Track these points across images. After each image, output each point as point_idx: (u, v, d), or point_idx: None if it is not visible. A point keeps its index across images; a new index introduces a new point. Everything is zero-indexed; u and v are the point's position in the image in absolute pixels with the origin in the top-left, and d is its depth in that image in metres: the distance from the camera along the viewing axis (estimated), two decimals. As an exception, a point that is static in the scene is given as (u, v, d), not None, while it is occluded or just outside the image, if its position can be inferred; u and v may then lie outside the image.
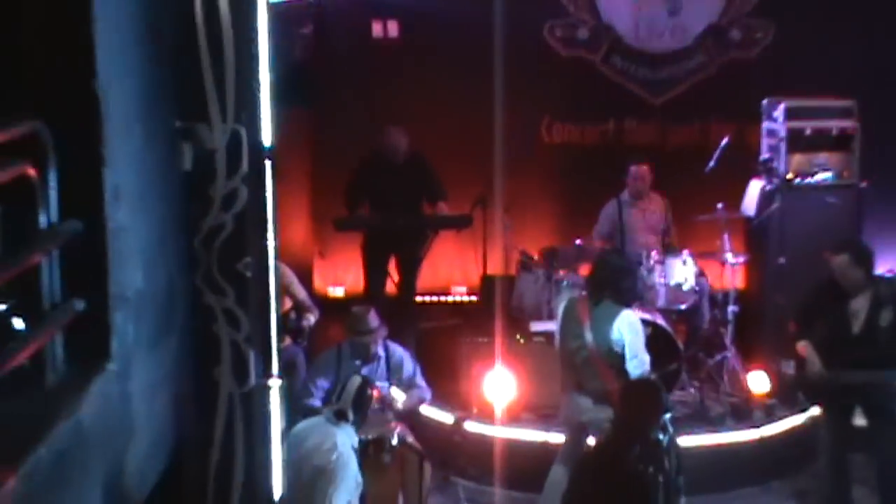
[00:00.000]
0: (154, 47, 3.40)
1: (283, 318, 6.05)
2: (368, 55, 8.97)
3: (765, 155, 7.92)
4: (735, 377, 7.59)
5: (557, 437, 6.52)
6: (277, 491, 3.96)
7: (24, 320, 2.69)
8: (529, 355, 7.22)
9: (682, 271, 7.57)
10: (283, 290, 6.27)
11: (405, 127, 8.10)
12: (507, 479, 6.70)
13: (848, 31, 8.71)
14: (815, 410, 6.30)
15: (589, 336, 5.88)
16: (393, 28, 9.00)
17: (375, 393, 5.87)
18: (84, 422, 2.70)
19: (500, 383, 7.03)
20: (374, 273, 8.18)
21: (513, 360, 7.10)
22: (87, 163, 2.88)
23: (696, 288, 7.62)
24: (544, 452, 6.56)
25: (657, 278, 7.52)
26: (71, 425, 2.62)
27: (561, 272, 7.62)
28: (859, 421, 5.74)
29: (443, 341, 8.11)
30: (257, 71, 3.73)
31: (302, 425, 5.48)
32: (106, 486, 2.89)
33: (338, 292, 9.28)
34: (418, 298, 8.62)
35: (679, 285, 7.56)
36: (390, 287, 8.24)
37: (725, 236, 7.72)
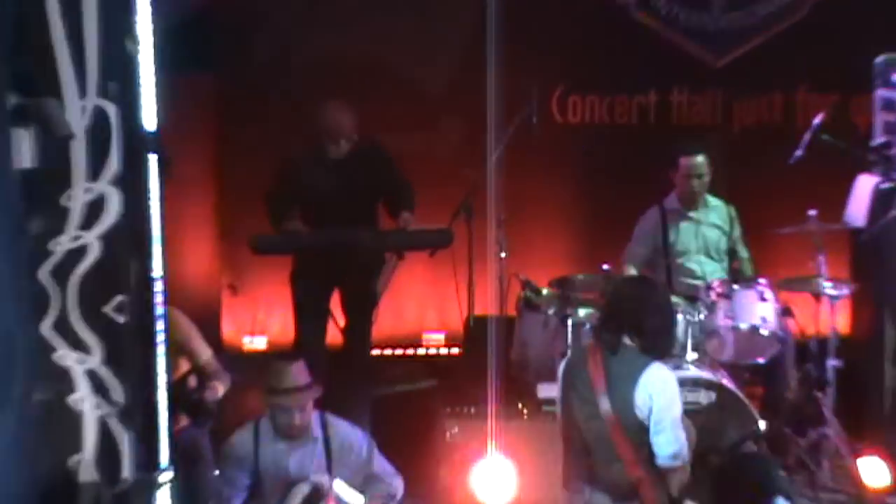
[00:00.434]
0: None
1: (176, 387, 6.05)
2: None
3: (879, 139, 7.95)
4: (839, 464, 7.59)
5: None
6: None
7: None
8: (536, 434, 7.19)
9: (758, 309, 7.57)
10: (177, 346, 6.24)
11: (353, 102, 8.09)
12: None
13: None
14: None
15: (604, 401, 5.86)
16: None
17: None
18: None
19: (494, 475, 7.01)
20: (309, 315, 8.15)
21: (512, 442, 7.08)
22: None
23: (780, 333, 7.63)
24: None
25: (721, 320, 7.52)
26: None
27: (580, 311, 7.62)
28: None
29: (410, 414, 8.07)
30: (133, 22, 3.72)
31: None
32: None
33: (258, 344, 9.29)
34: (374, 352, 8.60)
35: (755, 329, 7.57)
36: (333, 335, 8.22)
37: (821, 258, 7.72)
